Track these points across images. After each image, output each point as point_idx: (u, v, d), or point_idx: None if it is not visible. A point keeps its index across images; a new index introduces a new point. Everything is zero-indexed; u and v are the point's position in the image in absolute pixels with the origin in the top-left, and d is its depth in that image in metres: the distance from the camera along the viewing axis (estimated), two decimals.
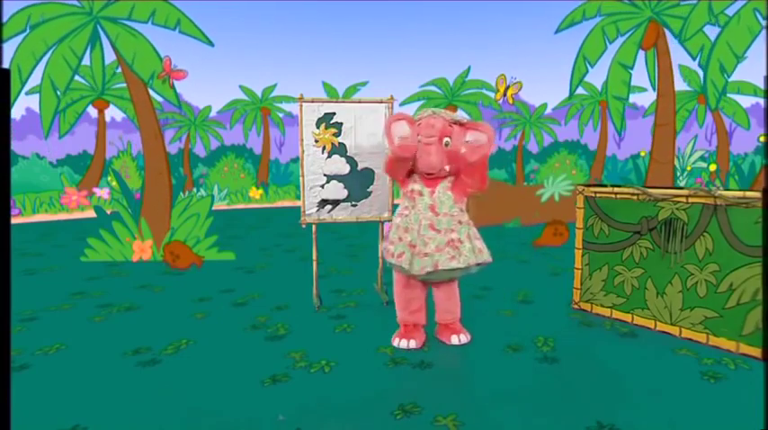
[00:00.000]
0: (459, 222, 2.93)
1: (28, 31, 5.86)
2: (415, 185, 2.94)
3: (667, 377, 2.59)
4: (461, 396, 2.41)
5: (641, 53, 8.44)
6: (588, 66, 8.51)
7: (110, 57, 6.37)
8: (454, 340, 3.07)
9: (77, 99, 13.02)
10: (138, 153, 5.53)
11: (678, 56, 8.25)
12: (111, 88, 14.13)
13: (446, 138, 2.83)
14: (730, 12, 7.19)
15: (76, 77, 7.71)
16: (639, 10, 8.14)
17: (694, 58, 7.78)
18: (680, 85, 8.36)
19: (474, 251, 2.92)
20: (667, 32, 8.03)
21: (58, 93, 6.13)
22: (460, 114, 3.15)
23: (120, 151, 15.48)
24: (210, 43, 6.24)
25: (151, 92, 6.19)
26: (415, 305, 3.08)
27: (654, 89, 8.75)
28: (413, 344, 3.00)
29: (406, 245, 2.88)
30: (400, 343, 3.02)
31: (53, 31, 5.93)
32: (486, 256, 2.97)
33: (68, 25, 5.97)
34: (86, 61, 6.45)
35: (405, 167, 2.93)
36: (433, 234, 2.84)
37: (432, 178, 2.91)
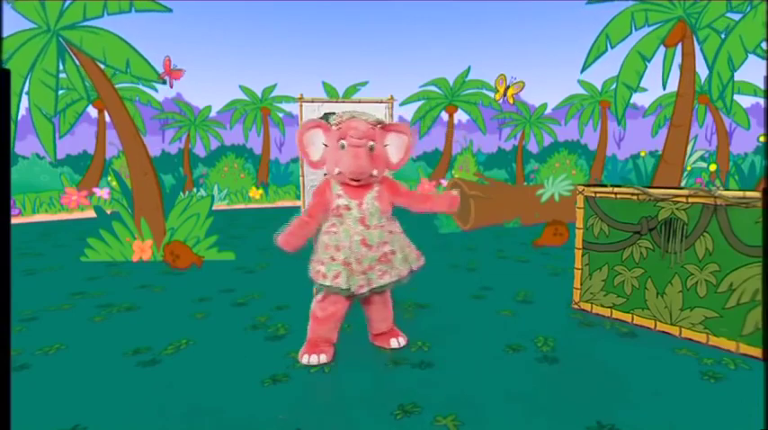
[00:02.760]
0: (391, 232, 2.78)
1: None
2: (341, 200, 2.71)
3: (667, 377, 2.59)
4: (461, 396, 2.41)
5: (660, 51, 8.36)
6: (609, 45, 8.41)
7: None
8: (393, 343, 3.01)
9: (77, 99, 13.01)
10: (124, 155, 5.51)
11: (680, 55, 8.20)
12: None
13: (371, 142, 2.66)
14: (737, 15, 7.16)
15: None
16: (672, 7, 8.10)
17: (710, 67, 7.70)
18: None
19: (406, 260, 2.82)
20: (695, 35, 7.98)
21: (46, 113, 6.12)
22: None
23: (119, 151, 15.46)
24: (168, 10, 6.12)
25: (150, 91, 6.20)
26: (334, 321, 2.88)
27: (664, 88, 8.69)
28: (323, 358, 2.80)
29: (341, 263, 2.67)
30: (311, 358, 2.78)
31: (22, 62, 5.92)
32: (418, 261, 2.89)
33: (34, 50, 5.94)
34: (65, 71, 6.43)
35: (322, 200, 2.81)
36: (365, 250, 2.67)
37: (358, 187, 2.72)
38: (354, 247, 2.68)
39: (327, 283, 2.70)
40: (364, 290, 2.71)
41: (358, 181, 2.69)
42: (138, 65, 5.97)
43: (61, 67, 6.19)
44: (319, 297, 2.85)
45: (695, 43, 7.98)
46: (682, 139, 8.10)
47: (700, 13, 7.62)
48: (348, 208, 2.71)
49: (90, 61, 5.92)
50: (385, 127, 2.78)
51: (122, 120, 6.02)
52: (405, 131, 2.81)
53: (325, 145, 2.80)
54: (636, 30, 8.31)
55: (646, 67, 8.40)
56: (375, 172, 2.69)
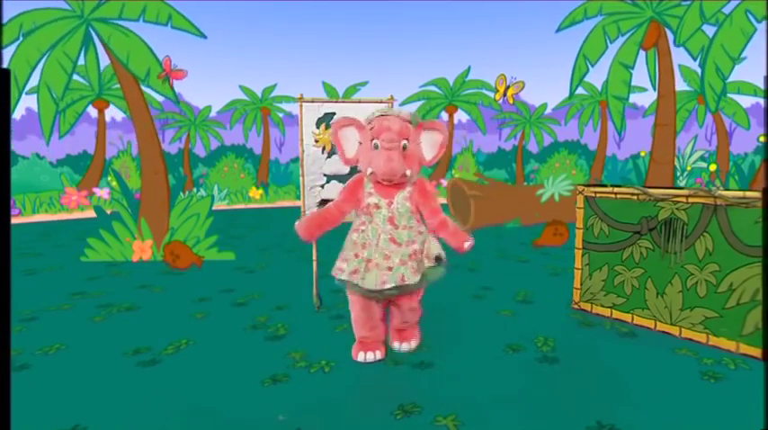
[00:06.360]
0: (420, 233, 2.74)
1: (21, 38, 5.85)
2: (372, 199, 2.70)
3: (667, 377, 2.59)
4: (461, 396, 2.41)
5: (642, 53, 8.44)
6: (589, 65, 8.52)
7: (105, 58, 6.36)
8: (395, 346, 2.93)
9: (77, 99, 13.02)
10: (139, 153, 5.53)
11: (678, 55, 8.29)
12: (111, 88, 14.13)
13: (404, 141, 2.61)
14: (726, 10, 7.19)
15: (76, 77, 7.74)
16: (641, 10, 8.15)
17: (695, 59, 7.79)
18: (680, 84, 8.39)
19: (430, 257, 2.74)
20: (668, 33, 8.05)
21: (54, 95, 6.11)
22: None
23: (119, 151, 15.48)
24: (203, 35, 6.19)
25: (150, 91, 6.20)
26: (374, 322, 2.85)
27: (654, 89, 8.77)
28: (378, 355, 2.84)
29: (363, 260, 2.65)
30: (366, 356, 2.82)
31: (46, 37, 5.92)
32: (437, 251, 2.75)
33: (61, 30, 5.95)
34: (83, 61, 6.45)
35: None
36: (394, 247, 2.63)
37: (389, 187, 2.69)
38: (382, 244, 2.64)
39: (343, 278, 2.67)
40: (391, 285, 2.59)
41: (390, 181, 2.67)
42: (156, 77, 5.98)
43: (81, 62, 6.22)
44: (356, 303, 2.81)
45: (669, 41, 8.04)
46: (669, 138, 8.17)
47: (680, 15, 7.64)
48: (378, 206, 2.69)
49: None
50: (420, 125, 2.73)
51: (143, 118, 6.06)
52: (439, 129, 2.75)
53: (360, 142, 2.78)
54: (611, 42, 8.40)
55: (631, 74, 8.47)
56: (408, 172, 2.64)
